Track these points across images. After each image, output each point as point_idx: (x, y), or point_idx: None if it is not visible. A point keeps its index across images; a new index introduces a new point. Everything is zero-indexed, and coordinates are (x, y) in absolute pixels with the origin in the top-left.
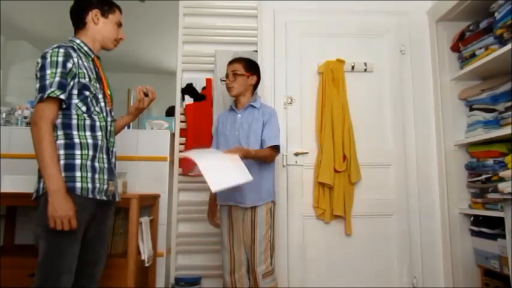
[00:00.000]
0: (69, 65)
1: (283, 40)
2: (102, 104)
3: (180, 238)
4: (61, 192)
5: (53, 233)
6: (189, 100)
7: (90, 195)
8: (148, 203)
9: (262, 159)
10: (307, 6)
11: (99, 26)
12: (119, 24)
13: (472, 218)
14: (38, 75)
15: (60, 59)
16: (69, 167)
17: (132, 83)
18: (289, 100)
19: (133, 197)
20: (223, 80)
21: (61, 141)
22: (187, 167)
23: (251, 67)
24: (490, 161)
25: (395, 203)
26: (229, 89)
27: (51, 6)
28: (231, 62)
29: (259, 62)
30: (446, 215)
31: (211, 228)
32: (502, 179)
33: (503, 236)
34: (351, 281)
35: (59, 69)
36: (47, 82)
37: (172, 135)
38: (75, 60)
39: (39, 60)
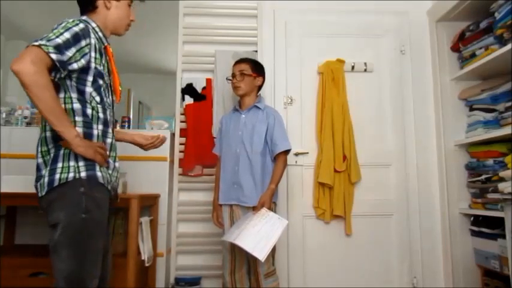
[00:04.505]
0: (83, 42)
1: (283, 40)
2: (110, 98)
3: (180, 238)
4: (80, 135)
5: (80, 226)
6: (189, 100)
7: (109, 187)
8: (148, 203)
9: (282, 174)
10: (307, 6)
11: (111, 11)
12: (129, 5)
13: (472, 218)
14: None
15: (76, 29)
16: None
17: (132, 83)
18: (289, 100)
19: (133, 197)
20: (230, 80)
21: (80, 129)
22: (187, 167)
23: (258, 68)
24: (490, 161)
25: (395, 203)
26: (236, 88)
27: (51, 6)
28: (238, 62)
29: None
30: (446, 215)
31: (211, 228)
32: (502, 179)
33: (503, 236)
34: (351, 281)
35: (67, 35)
36: (47, 36)
37: (172, 135)
38: (93, 41)
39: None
